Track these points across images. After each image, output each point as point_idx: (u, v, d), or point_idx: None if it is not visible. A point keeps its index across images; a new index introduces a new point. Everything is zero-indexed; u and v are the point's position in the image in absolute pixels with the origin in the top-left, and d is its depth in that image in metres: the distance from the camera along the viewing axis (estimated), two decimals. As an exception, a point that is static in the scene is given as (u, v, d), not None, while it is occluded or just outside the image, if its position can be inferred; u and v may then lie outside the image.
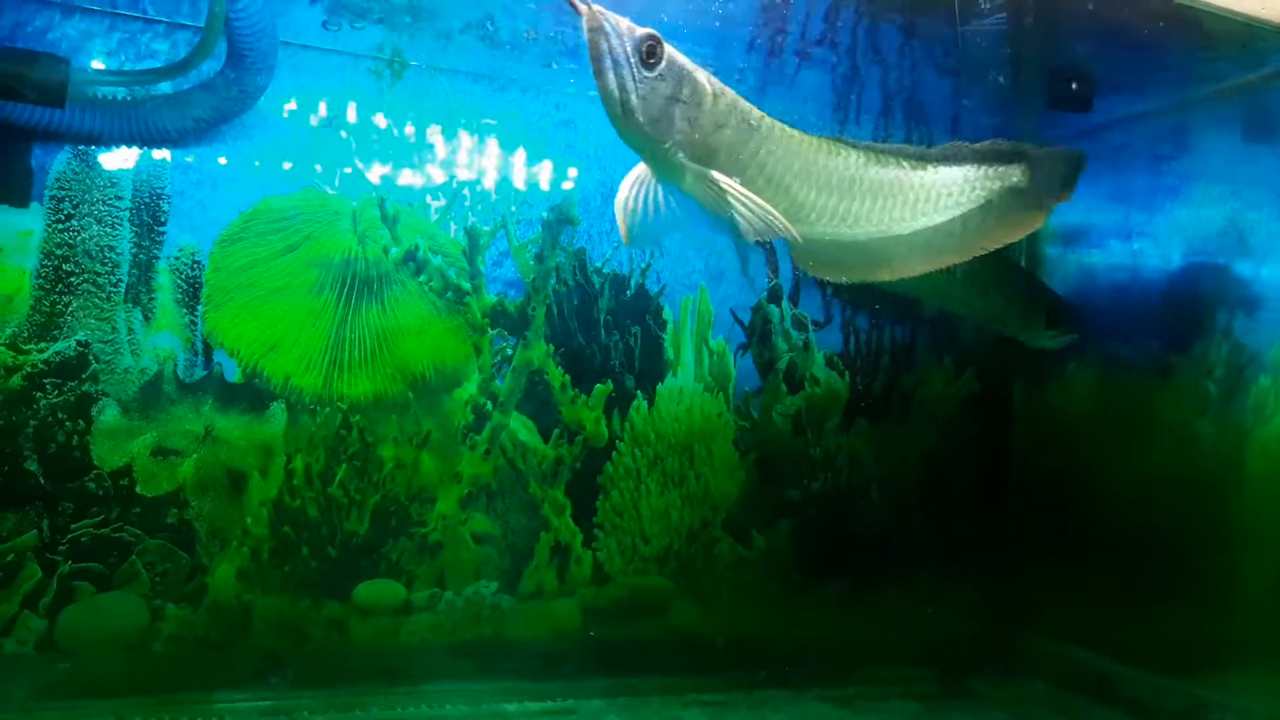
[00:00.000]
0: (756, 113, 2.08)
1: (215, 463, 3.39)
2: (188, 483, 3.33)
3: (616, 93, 1.80)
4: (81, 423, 3.22)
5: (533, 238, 3.76)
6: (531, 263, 3.75)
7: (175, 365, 3.39)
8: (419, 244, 3.65)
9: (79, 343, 3.23)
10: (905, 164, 2.32)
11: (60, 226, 3.25)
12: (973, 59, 3.24)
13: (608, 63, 1.78)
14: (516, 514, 3.75)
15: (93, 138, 3.26)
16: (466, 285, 3.69)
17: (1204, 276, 3.64)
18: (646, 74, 1.79)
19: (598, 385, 3.79)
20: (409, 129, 3.72)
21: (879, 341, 4.34)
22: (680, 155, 1.93)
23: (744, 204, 1.96)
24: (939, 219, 2.35)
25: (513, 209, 3.78)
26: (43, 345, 3.21)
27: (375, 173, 3.71)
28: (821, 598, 4.01)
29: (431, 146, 3.75)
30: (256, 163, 3.58)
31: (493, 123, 3.81)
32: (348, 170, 3.68)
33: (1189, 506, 3.55)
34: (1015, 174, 2.44)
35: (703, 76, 1.95)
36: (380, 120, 3.69)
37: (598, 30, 1.76)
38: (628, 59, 1.77)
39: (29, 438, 3.16)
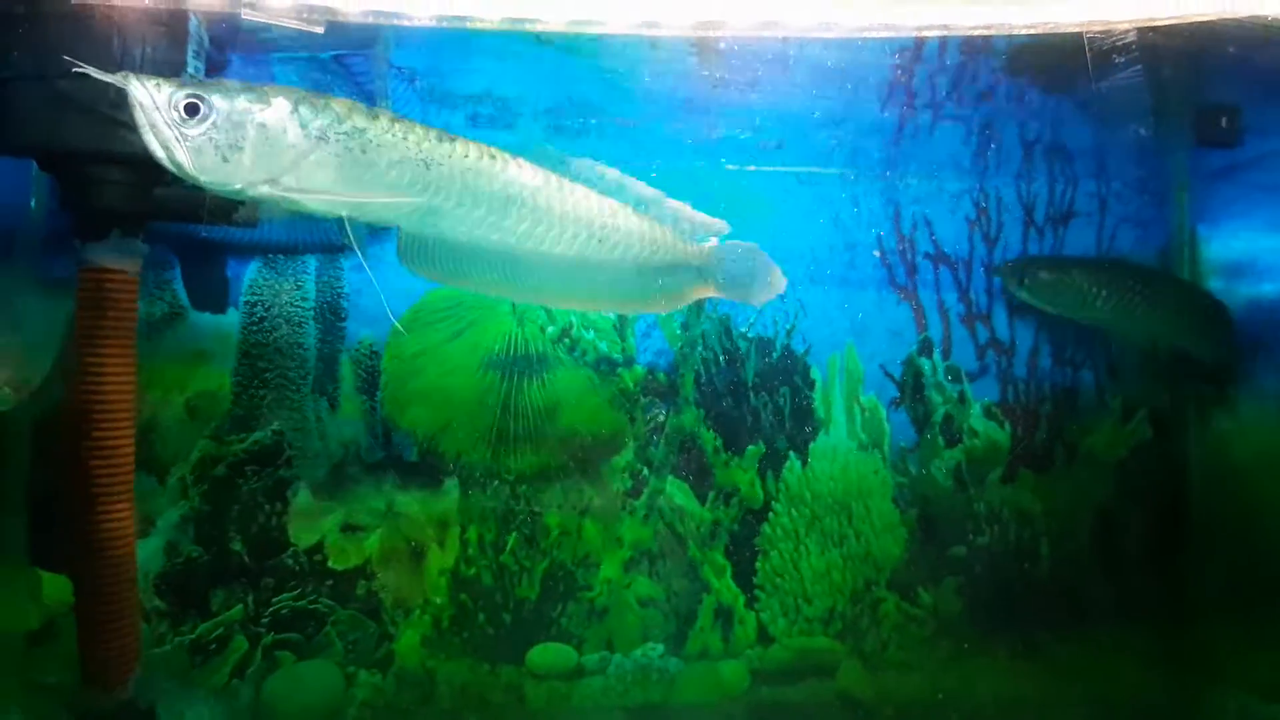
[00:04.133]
0: (393, 135, 2.01)
1: (397, 536, 3.62)
2: (373, 556, 3.58)
3: (162, 152, 1.86)
4: (279, 504, 3.52)
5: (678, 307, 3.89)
6: (678, 331, 3.88)
7: (359, 448, 3.68)
8: (572, 321, 3.83)
9: (274, 432, 3.55)
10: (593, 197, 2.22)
11: (254, 328, 3.61)
12: (1113, 112, 3.19)
13: (146, 126, 1.85)
14: (678, 577, 3.83)
15: (281, 248, 3.62)
16: (618, 357, 3.85)
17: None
18: (190, 131, 1.85)
19: (750, 447, 3.86)
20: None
21: (1039, 388, 4.22)
22: (264, 188, 1.94)
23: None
24: (599, 255, 2.26)
25: (658, 281, 3.91)
26: (243, 436, 3.54)
27: (529, 257, 3.92)
28: (995, 657, 3.88)
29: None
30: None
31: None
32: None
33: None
34: (702, 255, 2.39)
35: (282, 109, 1.92)
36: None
37: (133, 99, 1.84)
38: (166, 119, 1.84)
39: (233, 520, 3.48)
